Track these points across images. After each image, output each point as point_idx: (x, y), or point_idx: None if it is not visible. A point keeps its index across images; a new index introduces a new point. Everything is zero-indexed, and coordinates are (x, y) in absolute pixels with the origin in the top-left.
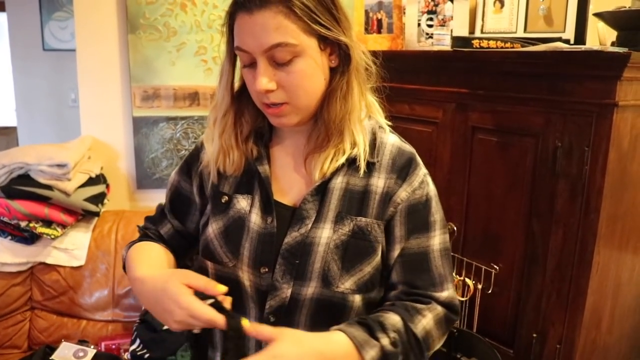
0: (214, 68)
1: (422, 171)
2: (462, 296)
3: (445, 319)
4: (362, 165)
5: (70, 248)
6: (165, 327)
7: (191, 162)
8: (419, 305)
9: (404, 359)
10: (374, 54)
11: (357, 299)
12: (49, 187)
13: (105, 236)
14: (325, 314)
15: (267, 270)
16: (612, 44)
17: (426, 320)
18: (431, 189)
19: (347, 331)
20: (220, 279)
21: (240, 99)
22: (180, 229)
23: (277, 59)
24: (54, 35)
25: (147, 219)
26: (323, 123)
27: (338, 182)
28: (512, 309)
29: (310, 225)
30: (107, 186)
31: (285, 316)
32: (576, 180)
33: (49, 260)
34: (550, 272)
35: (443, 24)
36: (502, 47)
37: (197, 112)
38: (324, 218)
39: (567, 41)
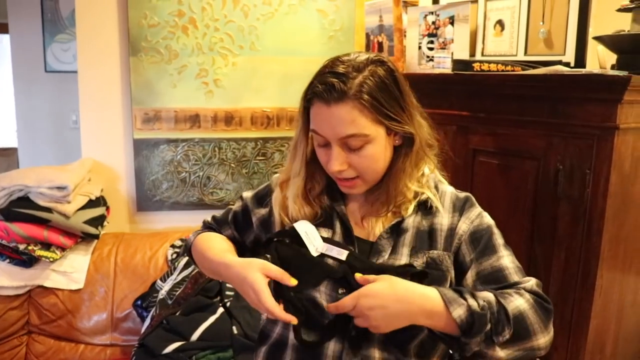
0: (215, 90)
1: (478, 208)
2: None
3: (539, 305)
4: (436, 203)
5: (69, 271)
6: (165, 352)
7: (262, 197)
8: (508, 290)
9: (494, 330)
10: None
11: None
12: (48, 210)
13: (104, 259)
14: (395, 334)
15: (344, 291)
16: (612, 67)
17: (519, 302)
18: (489, 219)
19: (439, 289)
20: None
21: (311, 162)
22: (237, 238)
23: (350, 145)
24: (56, 57)
25: (214, 218)
26: (385, 193)
27: (410, 222)
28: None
29: (387, 257)
30: (107, 208)
31: (364, 331)
32: (578, 203)
33: (47, 284)
34: (552, 295)
35: (444, 46)
36: (502, 70)
37: (198, 134)
38: (400, 252)
39: (567, 64)
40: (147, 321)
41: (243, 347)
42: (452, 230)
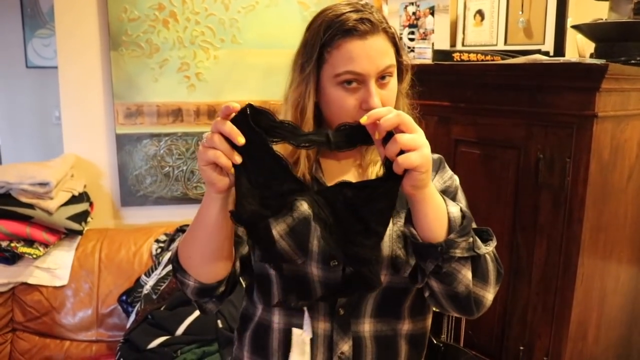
0: (197, 84)
1: (449, 170)
2: None
3: (496, 263)
4: None
5: (53, 267)
6: (150, 347)
7: None
8: None
9: (474, 242)
10: None
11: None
12: (30, 206)
13: (88, 255)
14: (388, 301)
15: (336, 263)
16: (591, 56)
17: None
18: (457, 182)
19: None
20: (288, 279)
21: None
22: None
23: (382, 80)
24: (37, 53)
25: None
26: None
27: None
28: (498, 321)
29: None
30: (91, 204)
31: (353, 308)
32: (558, 191)
33: (31, 281)
34: (535, 284)
35: (424, 37)
36: (482, 60)
37: (181, 128)
38: None
39: (546, 53)
40: (132, 316)
41: (228, 341)
42: None
